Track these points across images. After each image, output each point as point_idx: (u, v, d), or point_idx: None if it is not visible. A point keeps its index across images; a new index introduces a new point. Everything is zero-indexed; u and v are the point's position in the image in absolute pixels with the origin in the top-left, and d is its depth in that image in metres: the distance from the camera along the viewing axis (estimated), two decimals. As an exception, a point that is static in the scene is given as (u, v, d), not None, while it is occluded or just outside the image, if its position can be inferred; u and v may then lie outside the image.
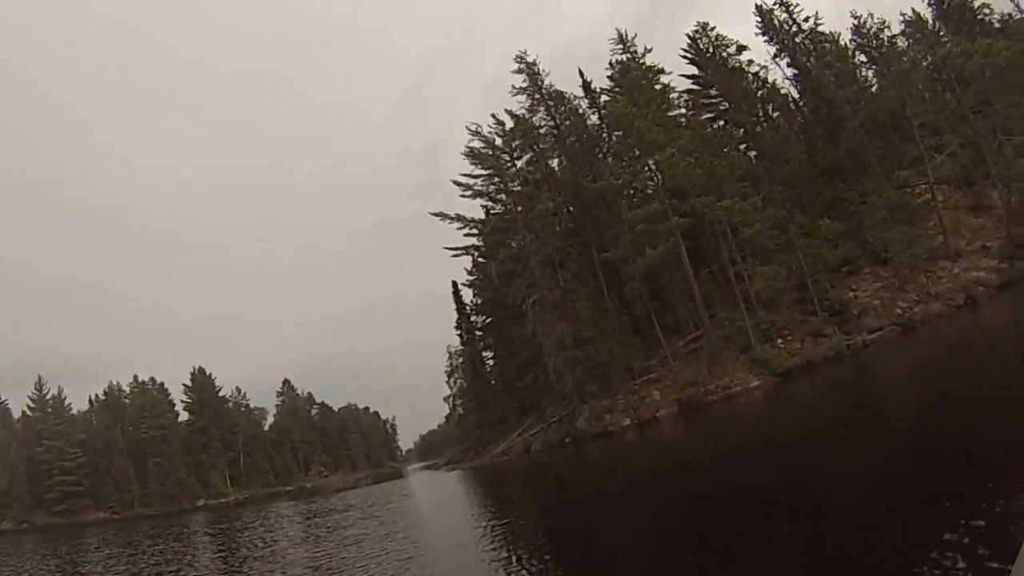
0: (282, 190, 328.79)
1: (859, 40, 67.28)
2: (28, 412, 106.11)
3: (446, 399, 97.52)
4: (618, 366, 53.96)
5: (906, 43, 65.00)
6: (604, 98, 65.90)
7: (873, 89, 64.36)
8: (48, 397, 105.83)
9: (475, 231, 64.51)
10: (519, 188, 62.14)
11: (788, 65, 68.63)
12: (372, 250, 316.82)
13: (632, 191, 59.10)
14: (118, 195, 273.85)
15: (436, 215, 63.07)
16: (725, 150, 57.44)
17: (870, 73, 67.82)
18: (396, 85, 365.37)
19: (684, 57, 67.99)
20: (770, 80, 68.00)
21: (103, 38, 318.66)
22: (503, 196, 62.31)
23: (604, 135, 65.29)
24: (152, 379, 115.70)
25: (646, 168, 55.95)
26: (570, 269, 59.54)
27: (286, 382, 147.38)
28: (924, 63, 58.67)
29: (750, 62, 67.31)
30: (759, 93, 67.33)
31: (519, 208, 60.25)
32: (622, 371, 54.02)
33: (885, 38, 65.60)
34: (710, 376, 49.61)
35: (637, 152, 55.57)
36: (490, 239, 64.15)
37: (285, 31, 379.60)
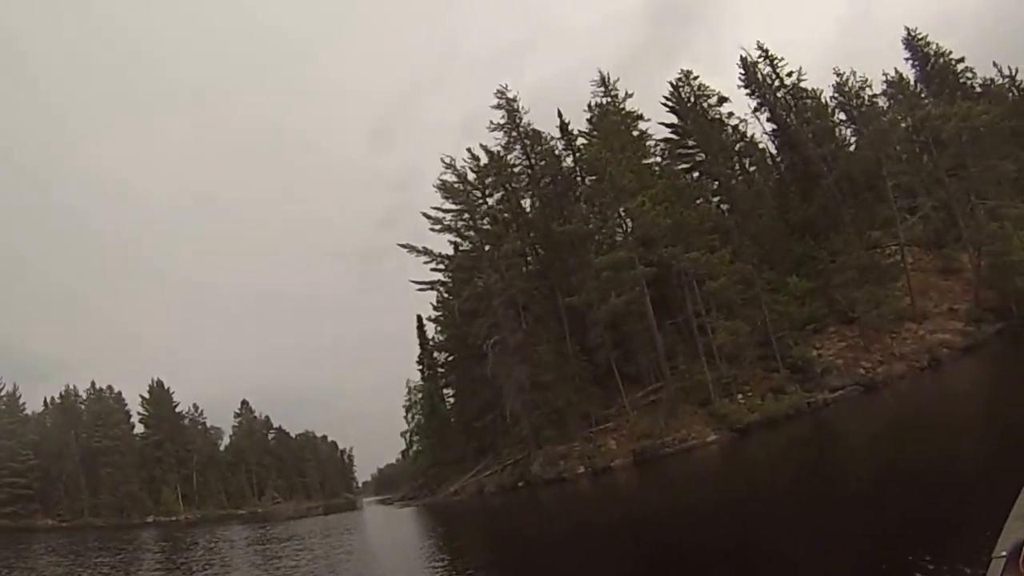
0: (249, 210, 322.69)
1: (840, 98, 66.67)
2: None
3: (403, 434, 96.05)
4: (575, 413, 52.68)
5: (887, 103, 64.38)
6: (580, 141, 65.13)
7: (851, 148, 64.09)
8: (3, 394, 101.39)
9: (442, 266, 63.56)
10: (488, 226, 61.22)
11: (768, 120, 68.20)
12: (340, 279, 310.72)
13: (601, 237, 57.90)
14: (82, 196, 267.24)
15: (404, 246, 62.21)
16: (697, 201, 56.60)
17: (849, 132, 67.46)
18: (371, 114, 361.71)
19: (665, 105, 67.48)
20: (749, 134, 67.67)
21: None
22: (472, 233, 61.24)
23: (578, 178, 64.18)
24: (109, 387, 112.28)
25: (616, 215, 54.93)
26: (533, 312, 58.54)
27: (244, 403, 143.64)
28: (903, 124, 58.20)
29: (730, 114, 66.85)
30: (736, 146, 66.79)
31: (487, 246, 59.38)
32: (579, 418, 52.78)
33: (866, 97, 65.02)
34: (668, 428, 48.52)
35: (608, 198, 54.44)
36: (456, 276, 63.23)
37: (256, 50, 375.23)
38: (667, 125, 67.44)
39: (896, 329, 48.49)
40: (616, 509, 31.74)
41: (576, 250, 57.03)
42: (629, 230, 53.82)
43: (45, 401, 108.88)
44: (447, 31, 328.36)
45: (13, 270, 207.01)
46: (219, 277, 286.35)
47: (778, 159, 69.53)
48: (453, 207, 60.99)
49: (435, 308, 72.72)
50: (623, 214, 53.83)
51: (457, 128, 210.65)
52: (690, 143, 65.33)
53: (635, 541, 20.01)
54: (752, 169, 68.99)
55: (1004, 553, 3.91)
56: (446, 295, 67.27)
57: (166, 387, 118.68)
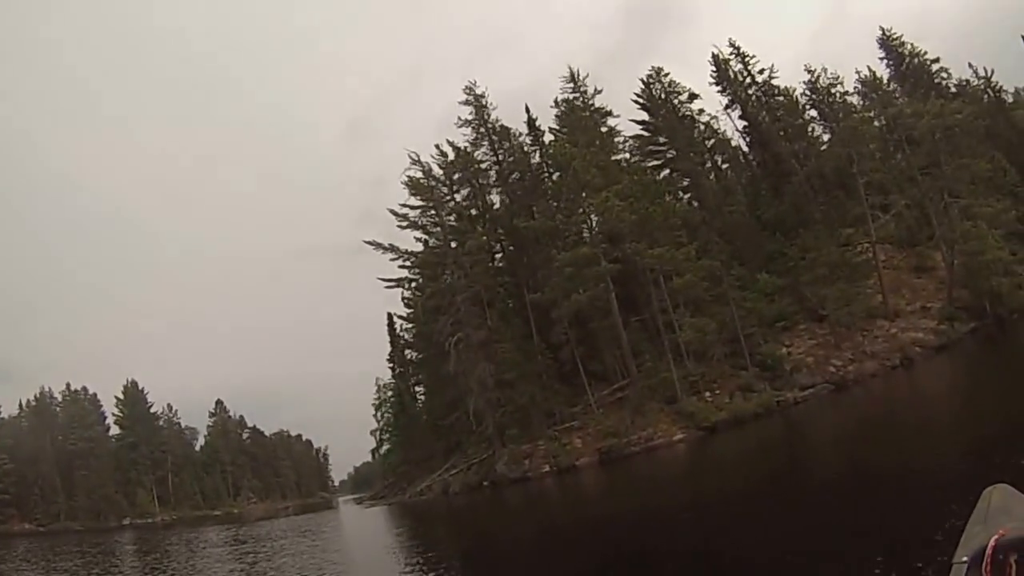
0: (220, 199, 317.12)
1: (812, 96, 65.34)
2: None
3: (373, 432, 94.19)
4: (540, 411, 50.97)
5: (860, 102, 63.16)
6: (549, 137, 63.55)
7: (823, 146, 62.71)
8: None
9: (408, 263, 61.59)
10: (454, 222, 59.74)
11: (739, 117, 66.87)
12: (315, 272, 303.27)
13: (568, 234, 56.10)
14: (43, 196, 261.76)
15: (370, 243, 60.10)
16: (667, 197, 54.99)
17: (821, 129, 65.99)
18: (347, 113, 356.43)
19: (636, 102, 66.26)
20: (720, 131, 66.38)
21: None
22: (438, 229, 59.41)
23: (545, 175, 62.43)
24: (84, 388, 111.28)
25: (580, 211, 53.27)
26: (498, 309, 56.88)
27: (219, 403, 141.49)
28: (876, 122, 57.11)
29: (700, 111, 65.71)
30: (708, 143, 65.53)
31: (452, 243, 57.73)
32: (544, 416, 51.06)
33: (838, 94, 63.70)
34: (633, 426, 46.87)
35: (573, 193, 52.97)
36: (423, 273, 61.38)
37: (231, 50, 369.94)
38: (638, 122, 66.45)
39: (868, 327, 47.26)
40: (580, 510, 30.30)
41: (542, 246, 55.60)
42: (594, 226, 52.44)
43: (20, 404, 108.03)
44: (421, 34, 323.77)
45: None
46: (192, 277, 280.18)
47: (750, 156, 68.26)
48: (420, 203, 59.20)
49: (405, 305, 70.68)
50: (587, 209, 52.22)
51: (433, 126, 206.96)
52: (661, 140, 64.11)
53: (597, 542, 19.01)
54: (725, 166, 68.02)
55: (965, 559, 3.63)
56: (417, 292, 65.34)
57: (140, 388, 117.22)
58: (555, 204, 57.34)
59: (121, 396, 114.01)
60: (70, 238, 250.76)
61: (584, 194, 51.82)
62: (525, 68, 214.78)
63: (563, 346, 53.02)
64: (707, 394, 47.63)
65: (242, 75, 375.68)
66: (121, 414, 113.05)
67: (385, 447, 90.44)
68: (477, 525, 35.00)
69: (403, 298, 67.39)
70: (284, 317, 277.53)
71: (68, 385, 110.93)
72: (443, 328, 55.27)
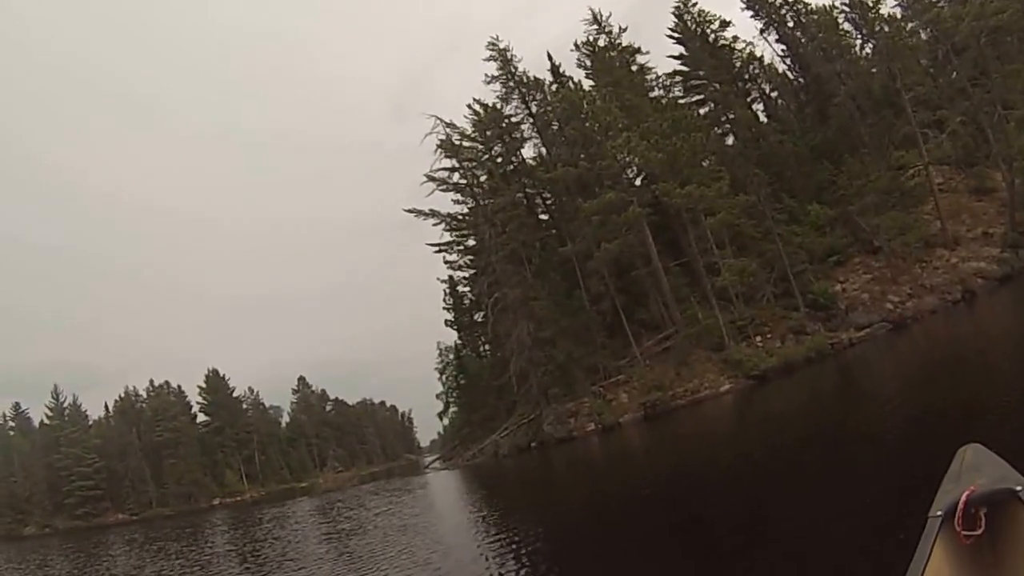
0: (282, 189, 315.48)
1: (849, 10, 59.14)
2: (46, 421, 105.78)
3: (438, 396, 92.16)
4: (580, 367, 47.33)
5: (901, 13, 56.82)
6: (580, 81, 58.77)
7: (865, 62, 56.66)
8: (65, 405, 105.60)
9: (454, 226, 58.46)
10: (486, 181, 56.13)
11: (776, 41, 60.81)
12: (381, 252, 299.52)
13: (601, 181, 51.77)
14: (105, 203, 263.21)
15: (409, 211, 56.62)
16: (700, 133, 49.99)
17: (859, 44, 59.04)
18: (391, 88, 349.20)
19: (670, 36, 60.96)
20: (760, 57, 60.91)
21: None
22: (473, 189, 55.95)
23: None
24: (167, 383, 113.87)
25: (605, 155, 48.09)
26: (534, 264, 53.14)
27: (301, 379, 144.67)
28: (922, 33, 51.57)
29: (735, 38, 60.16)
30: (749, 70, 60.37)
31: (487, 201, 54.31)
32: (586, 372, 47.44)
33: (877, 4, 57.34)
34: (679, 379, 43.32)
35: (599, 138, 48.61)
36: (463, 234, 58.43)
37: (274, 22, 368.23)
38: (675, 57, 61.10)
39: (926, 257, 42.38)
40: (624, 472, 26.89)
41: (571, 196, 51.65)
42: (618, 169, 48.07)
43: (106, 405, 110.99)
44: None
45: (61, 285, 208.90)
46: (265, 269, 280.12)
47: (795, 80, 62.64)
48: (456, 165, 55.80)
49: (449, 268, 67.38)
50: (611, 153, 47.49)
51: (477, 93, 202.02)
52: (701, 74, 59.16)
53: (642, 508, 16.74)
54: (774, 94, 62.61)
55: (939, 513, 3.80)
56: (463, 254, 62.29)
57: (222, 375, 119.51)
58: (582, 152, 52.89)
59: (203, 385, 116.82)
60: (133, 237, 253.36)
61: (609, 135, 47.43)
62: (562, 25, 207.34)
63: (602, 298, 49.33)
64: (758, 339, 43.50)
65: (291, 60, 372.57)
66: (205, 402, 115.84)
67: (452, 409, 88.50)
68: (520, 492, 31.82)
69: (445, 262, 64.20)
70: (360, 294, 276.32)
71: (151, 381, 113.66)
72: (482, 289, 52.67)
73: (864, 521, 9.49)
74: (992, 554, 3.64)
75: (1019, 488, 3.63)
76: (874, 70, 53.05)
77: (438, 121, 55.42)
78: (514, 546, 15.37)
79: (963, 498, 3.63)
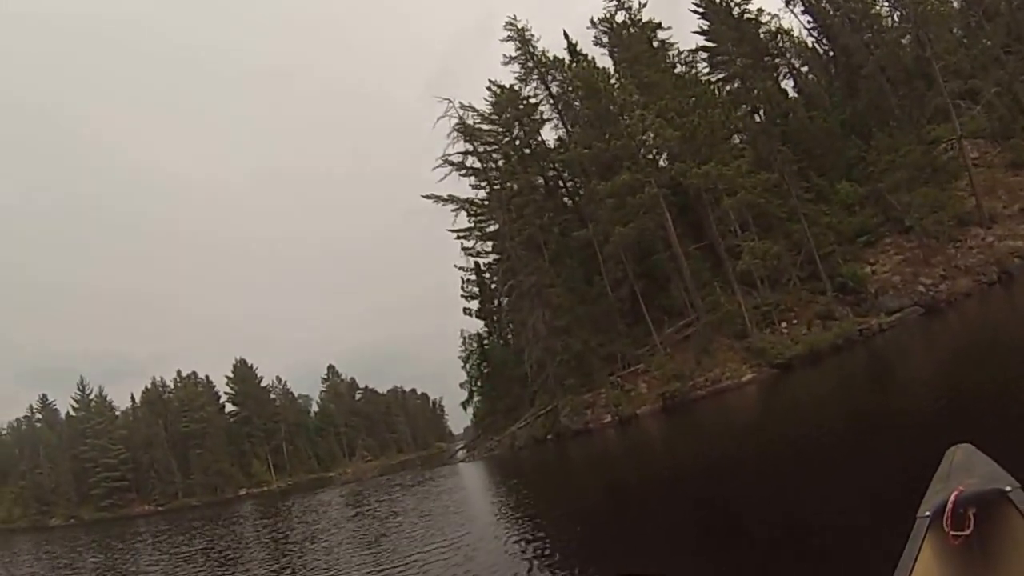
0: (310, 181, 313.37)
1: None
2: (72, 412, 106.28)
3: (462, 385, 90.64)
4: (597, 356, 45.23)
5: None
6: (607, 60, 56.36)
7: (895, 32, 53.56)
8: (91, 397, 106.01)
9: (469, 212, 56.63)
10: (502, 164, 54.24)
11: (802, 12, 57.73)
12: (416, 234, 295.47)
13: (619, 161, 49.46)
14: (134, 195, 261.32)
15: (428, 197, 54.73)
16: (722, 109, 47.45)
17: (887, 11, 55.80)
18: (425, 65, 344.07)
19: (694, 11, 58.13)
20: (789, 30, 58.08)
21: (109, 35, 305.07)
22: (491, 174, 54.13)
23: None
24: (194, 373, 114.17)
25: (619, 133, 45.69)
26: (551, 250, 50.92)
27: (331, 368, 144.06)
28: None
29: (760, 11, 57.28)
30: (778, 44, 57.61)
31: (504, 185, 52.44)
32: (603, 361, 45.36)
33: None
34: (700, 368, 41.00)
35: (615, 116, 46.22)
36: (480, 219, 56.44)
37: (305, 18, 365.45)
38: (700, 32, 58.25)
39: (960, 236, 39.52)
40: (643, 467, 25.33)
41: (588, 178, 49.46)
42: (632, 148, 45.39)
43: (132, 396, 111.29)
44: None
45: (86, 279, 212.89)
46: (297, 251, 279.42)
47: (825, 53, 59.62)
48: (472, 148, 54.16)
49: (466, 254, 65.27)
50: (626, 132, 45.11)
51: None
52: (729, 47, 56.43)
53: (663, 505, 16.06)
54: (804, 68, 59.75)
55: (928, 513, 3.82)
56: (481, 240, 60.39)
57: (249, 365, 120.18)
58: (599, 131, 50.41)
59: (231, 375, 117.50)
60: (165, 232, 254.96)
61: (625, 114, 45.24)
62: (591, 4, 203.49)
63: (620, 284, 47.16)
64: (782, 325, 41.16)
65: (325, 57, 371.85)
66: (233, 392, 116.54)
67: (476, 399, 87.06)
68: (535, 489, 29.11)
69: (463, 248, 62.20)
70: (390, 278, 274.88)
71: (179, 372, 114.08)
72: (498, 275, 51.59)
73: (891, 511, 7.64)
74: (981, 555, 3.63)
75: (1008, 488, 3.63)
76: (904, 39, 50.05)
77: (450, 104, 53.45)
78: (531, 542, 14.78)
79: (952, 498, 3.63)
